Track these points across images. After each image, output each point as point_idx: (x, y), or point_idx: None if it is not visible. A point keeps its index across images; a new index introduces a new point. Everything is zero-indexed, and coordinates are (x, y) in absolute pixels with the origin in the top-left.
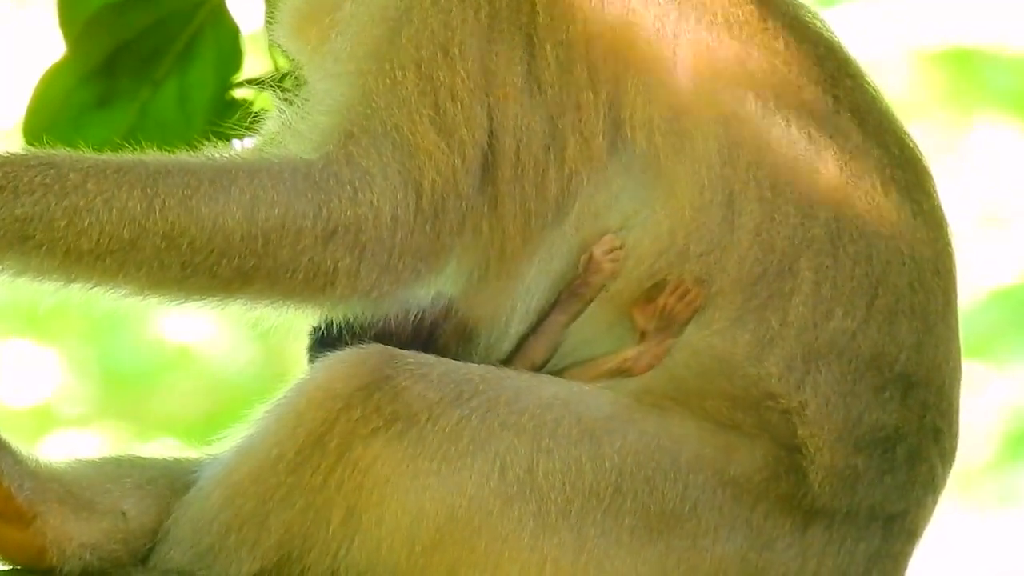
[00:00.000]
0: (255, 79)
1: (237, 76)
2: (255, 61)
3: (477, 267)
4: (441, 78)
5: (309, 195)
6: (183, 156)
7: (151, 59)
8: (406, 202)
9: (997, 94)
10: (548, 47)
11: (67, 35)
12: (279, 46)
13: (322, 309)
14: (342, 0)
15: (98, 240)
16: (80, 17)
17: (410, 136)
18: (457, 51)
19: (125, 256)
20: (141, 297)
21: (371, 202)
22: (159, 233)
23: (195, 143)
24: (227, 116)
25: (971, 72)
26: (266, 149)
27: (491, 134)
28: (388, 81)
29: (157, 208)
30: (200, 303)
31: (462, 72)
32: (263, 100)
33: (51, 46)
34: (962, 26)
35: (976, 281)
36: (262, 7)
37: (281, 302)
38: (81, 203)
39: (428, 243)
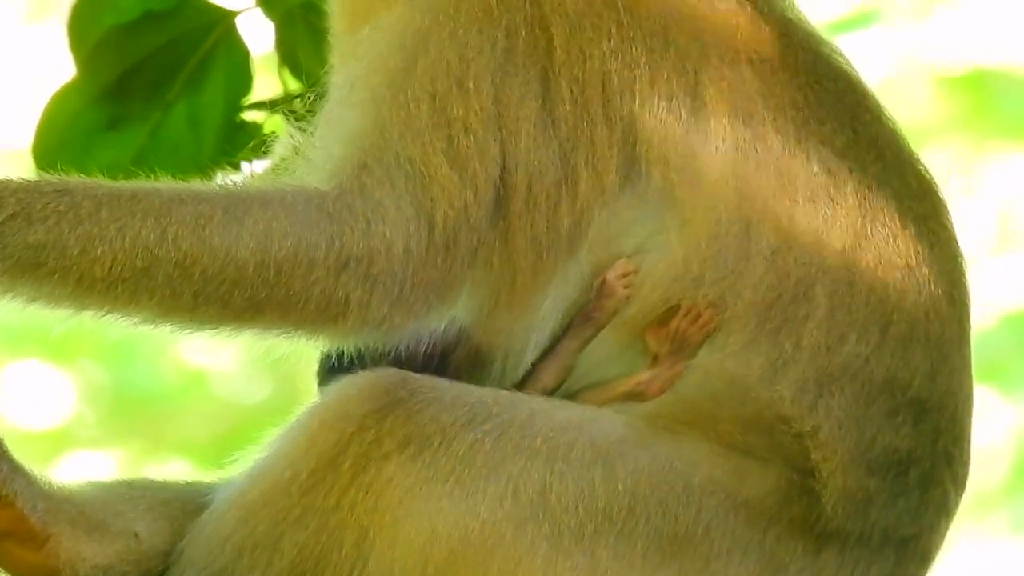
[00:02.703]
0: (265, 102)
1: (247, 99)
2: (265, 84)
3: (488, 299)
4: (455, 111)
5: (322, 226)
6: (197, 184)
7: (161, 81)
8: (419, 234)
9: (1015, 117)
10: (564, 83)
11: (77, 56)
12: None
13: (333, 340)
14: (362, 24)
15: (111, 268)
16: (90, 38)
17: (423, 168)
18: (472, 84)
19: (137, 284)
20: (153, 325)
21: (384, 234)
22: (172, 262)
23: (206, 166)
24: (237, 139)
25: (990, 95)
26: (279, 177)
27: (504, 168)
28: (402, 112)
29: (170, 237)
30: (212, 332)
31: (476, 106)
32: (273, 123)
33: (61, 68)
34: (981, 49)
35: (988, 305)
36: (272, 29)
37: (292, 332)
38: (94, 231)
39: (440, 276)
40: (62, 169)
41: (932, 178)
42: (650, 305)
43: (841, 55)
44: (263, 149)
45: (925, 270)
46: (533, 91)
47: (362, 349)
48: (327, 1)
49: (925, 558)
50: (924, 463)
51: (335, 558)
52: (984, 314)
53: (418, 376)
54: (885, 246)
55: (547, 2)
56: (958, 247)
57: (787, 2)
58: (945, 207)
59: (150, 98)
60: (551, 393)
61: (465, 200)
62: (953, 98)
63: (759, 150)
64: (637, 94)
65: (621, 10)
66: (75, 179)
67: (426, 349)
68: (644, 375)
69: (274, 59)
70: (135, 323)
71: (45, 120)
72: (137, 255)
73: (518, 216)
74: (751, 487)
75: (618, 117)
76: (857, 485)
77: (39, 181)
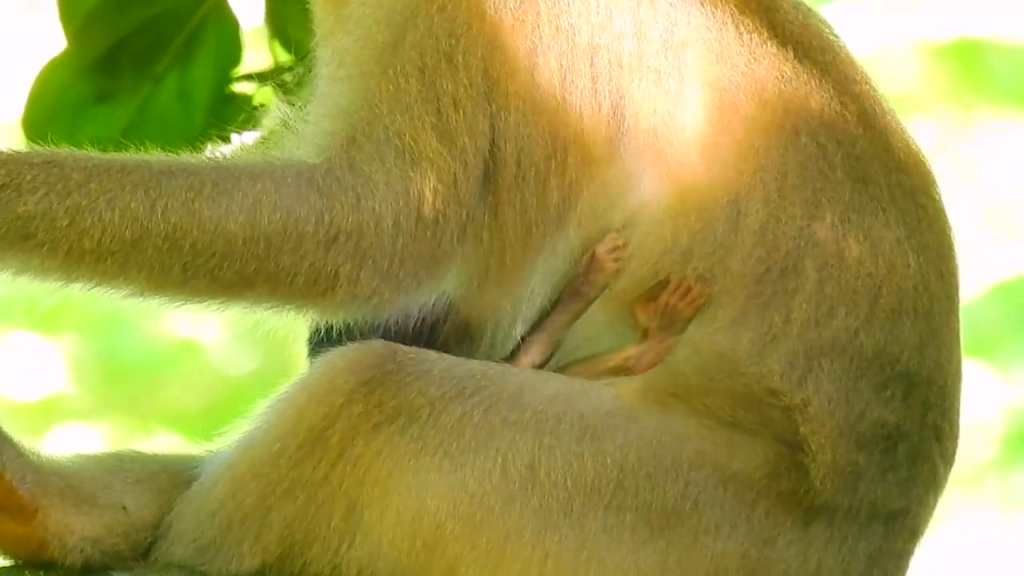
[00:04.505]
0: (255, 73)
1: (236, 71)
2: (255, 56)
3: (477, 273)
4: (444, 86)
5: (312, 200)
6: (187, 157)
7: (151, 53)
8: (408, 209)
9: (1003, 87)
10: (552, 58)
11: (67, 28)
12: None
13: (322, 314)
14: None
15: (100, 240)
16: (80, 11)
17: (412, 143)
18: (460, 59)
19: (126, 257)
20: (142, 298)
21: (373, 209)
22: (161, 235)
23: (195, 138)
24: (227, 111)
25: (977, 65)
26: (269, 150)
27: (493, 143)
28: (391, 87)
29: (160, 210)
30: (201, 305)
31: (465, 80)
32: (263, 95)
33: (52, 40)
34: (968, 18)
35: (978, 275)
36: (262, 2)
37: (281, 306)
38: (84, 203)
39: (429, 251)
40: (52, 141)
41: (920, 149)
42: (639, 279)
43: (828, 26)
44: (253, 122)
45: (914, 243)
46: (522, 66)
47: (351, 323)
48: None
49: (913, 532)
50: (913, 437)
51: (323, 531)
52: (974, 286)
53: (407, 348)
54: (873, 219)
55: None
56: (946, 219)
57: None
58: (933, 178)
59: (140, 70)
60: (540, 367)
61: (454, 175)
62: (940, 68)
63: (746, 122)
64: (625, 68)
65: None
66: (65, 151)
67: (415, 323)
68: (633, 350)
69: (264, 32)
70: (124, 295)
71: (35, 92)
72: (126, 227)
73: (507, 191)
74: (740, 461)
75: (606, 91)
76: (846, 459)
77: (29, 152)
